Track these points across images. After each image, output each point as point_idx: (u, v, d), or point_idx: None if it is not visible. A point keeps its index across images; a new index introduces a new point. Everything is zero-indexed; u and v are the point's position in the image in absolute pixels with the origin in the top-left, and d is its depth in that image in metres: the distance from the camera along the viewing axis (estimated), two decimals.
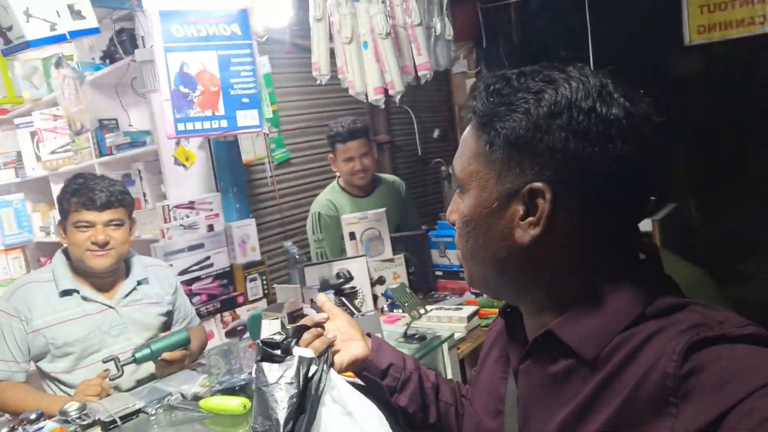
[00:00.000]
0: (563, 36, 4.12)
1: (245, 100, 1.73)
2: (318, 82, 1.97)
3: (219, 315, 2.58)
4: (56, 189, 3.29)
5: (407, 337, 1.67)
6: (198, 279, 2.51)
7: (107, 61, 2.80)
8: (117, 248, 1.74)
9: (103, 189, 1.72)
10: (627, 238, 0.67)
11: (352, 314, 1.64)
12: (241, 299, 2.64)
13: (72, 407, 1.34)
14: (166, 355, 1.62)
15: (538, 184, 0.62)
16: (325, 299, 1.03)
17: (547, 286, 0.67)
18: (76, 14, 1.41)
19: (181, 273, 2.43)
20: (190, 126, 1.68)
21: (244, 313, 2.66)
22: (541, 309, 0.69)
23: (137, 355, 1.58)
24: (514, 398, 0.73)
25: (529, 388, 0.70)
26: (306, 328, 0.90)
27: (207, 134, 1.79)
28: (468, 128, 0.70)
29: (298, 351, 0.83)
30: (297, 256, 2.86)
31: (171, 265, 2.39)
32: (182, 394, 1.46)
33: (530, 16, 4.14)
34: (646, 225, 3.01)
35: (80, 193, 1.70)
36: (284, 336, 0.86)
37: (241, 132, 1.84)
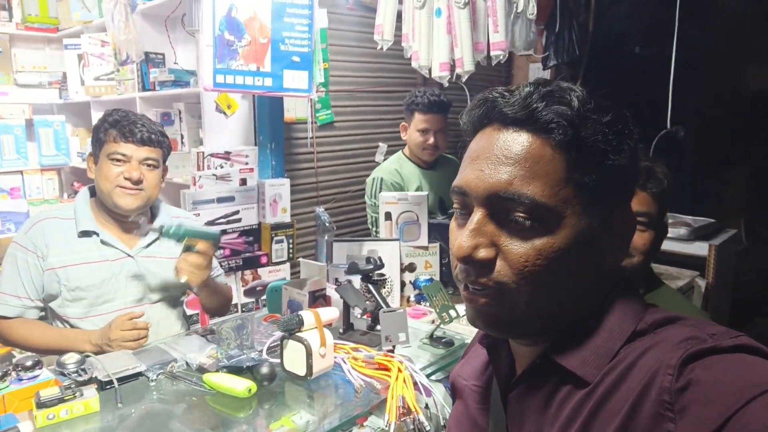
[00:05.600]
0: (642, 30, 3.84)
1: (296, 58, 1.54)
2: (379, 47, 1.79)
3: (240, 272, 2.51)
4: (96, 116, 3.24)
5: (433, 339, 1.54)
6: (224, 233, 2.44)
7: None
8: (147, 191, 1.64)
9: (145, 125, 1.63)
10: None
11: (378, 306, 1.52)
12: (264, 259, 2.55)
13: (70, 359, 1.26)
14: (197, 245, 1.56)
15: (625, 206, 0.66)
16: None
17: (570, 309, 0.65)
18: None
19: (208, 224, 2.36)
20: (230, 79, 1.53)
21: (266, 273, 2.58)
22: (543, 334, 0.67)
23: (165, 228, 1.53)
24: (503, 427, 0.71)
25: (521, 416, 0.68)
26: None
27: (248, 91, 1.62)
28: (530, 139, 0.61)
29: None
30: (327, 224, 2.75)
31: (198, 215, 2.32)
32: (187, 363, 1.37)
33: (610, 3, 3.86)
34: (702, 249, 2.81)
35: (121, 125, 1.60)
36: None
37: (286, 94, 1.66)
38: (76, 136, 3.53)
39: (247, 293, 2.56)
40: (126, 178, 1.59)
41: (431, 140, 2.49)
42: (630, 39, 3.81)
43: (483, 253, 0.62)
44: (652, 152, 3.03)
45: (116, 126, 1.61)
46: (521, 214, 0.60)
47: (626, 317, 0.63)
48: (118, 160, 1.60)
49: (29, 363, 1.20)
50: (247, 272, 2.54)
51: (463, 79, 1.75)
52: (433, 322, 1.75)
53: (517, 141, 0.62)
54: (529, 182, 0.60)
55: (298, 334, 1.31)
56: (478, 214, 0.63)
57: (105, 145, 1.62)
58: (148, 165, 1.64)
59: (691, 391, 0.53)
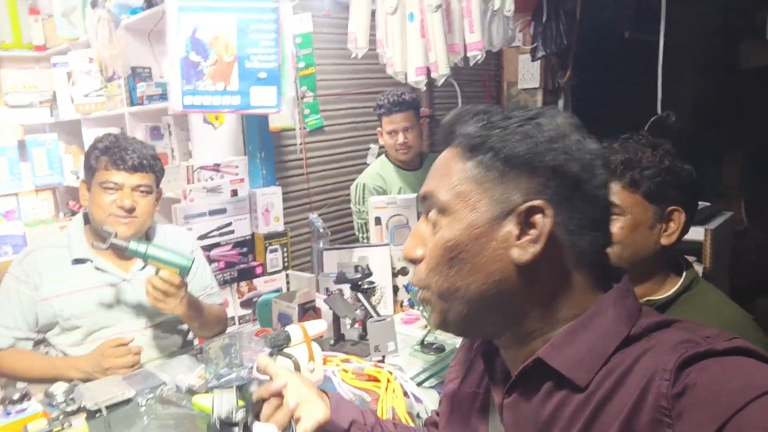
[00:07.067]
0: (630, 15, 3.80)
1: (262, 75, 1.51)
2: (353, 55, 1.77)
3: (236, 284, 2.51)
4: (87, 133, 3.23)
5: (424, 345, 1.53)
6: (217, 245, 2.43)
7: (145, 4, 2.66)
8: (140, 217, 1.60)
9: (136, 150, 1.58)
10: (602, 259, 0.68)
11: (368, 315, 1.51)
12: (259, 270, 2.55)
13: (58, 389, 1.26)
14: (162, 273, 1.44)
15: (539, 202, 0.63)
16: (267, 362, 0.99)
17: (541, 308, 0.66)
18: None
19: (201, 237, 2.35)
20: (198, 100, 1.50)
21: (261, 284, 2.57)
22: (527, 336, 0.67)
23: (130, 245, 1.44)
24: None
25: (516, 423, 0.68)
26: (263, 399, 0.89)
27: (216, 111, 1.61)
28: (447, 152, 0.71)
29: (259, 428, 0.75)
30: (321, 230, 2.74)
31: (191, 229, 2.31)
32: (177, 386, 1.37)
33: None
34: (698, 234, 2.78)
35: (111, 152, 1.56)
36: (242, 413, 0.80)
37: (254, 112, 1.64)
38: (69, 154, 3.53)
39: (243, 305, 2.56)
40: (119, 207, 1.55)
41: (400, 139, 2.49)
42: (618, 24, 3.77)
43: (416, 253, 0.70)
44: None
45: (107, 153, 1.57)
46: (430, 210, 0.70)
47: (620, 320, 0.63)
48: (110, 188, 1.56)
49: (16, 396, 1.20)
50: (243, 283, 2.53)
51: (439, 84, 1.73)
52: (425, 327, 1.74)
53: (445, 155, 0.72)
54: (436, 183, 0.70)
55: (286, 350, 1.30)
56: (420, 218, 0.72)
57: (96, 172, 1.58)
58: (141, 191, 1.60)
59: (687, 396, 0.53)
